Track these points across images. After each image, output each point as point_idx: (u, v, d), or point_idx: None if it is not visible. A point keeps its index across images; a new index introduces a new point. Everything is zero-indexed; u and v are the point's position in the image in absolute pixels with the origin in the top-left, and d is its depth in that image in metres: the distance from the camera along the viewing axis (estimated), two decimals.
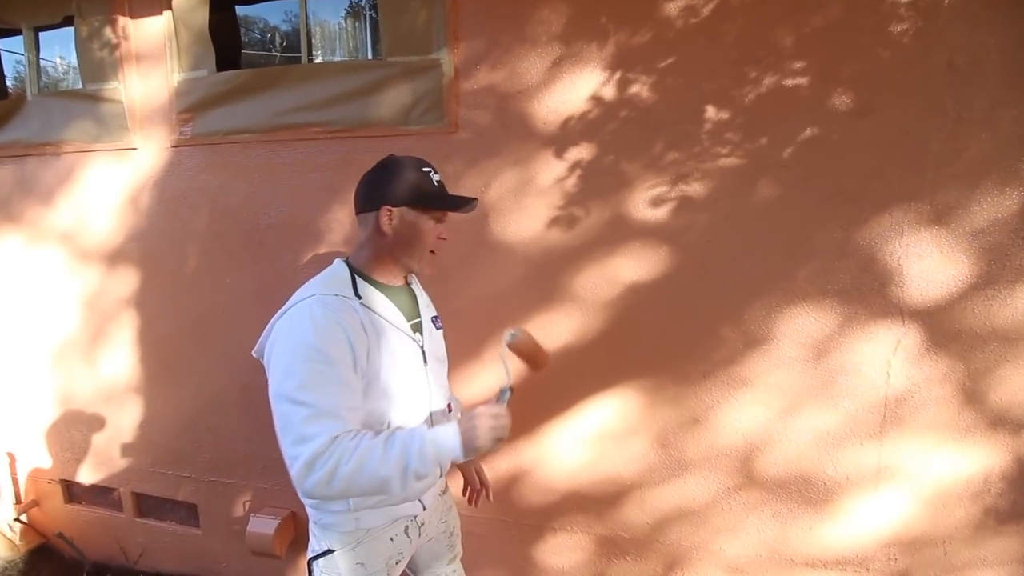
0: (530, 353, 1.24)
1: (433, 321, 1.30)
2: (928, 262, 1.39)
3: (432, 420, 1.21)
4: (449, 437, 1.00)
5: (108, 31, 1.88)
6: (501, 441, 1.04)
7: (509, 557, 1.86)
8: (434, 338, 1.28)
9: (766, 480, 1.59)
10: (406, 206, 1.13)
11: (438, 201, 1.16)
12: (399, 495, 1.10)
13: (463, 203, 1.18)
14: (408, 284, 1.29)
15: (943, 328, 1.41)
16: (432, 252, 1.18)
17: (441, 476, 1.09)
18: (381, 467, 0.94)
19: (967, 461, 1.45)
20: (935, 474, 1.48)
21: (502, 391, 1.12)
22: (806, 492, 1.57)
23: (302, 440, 0.93)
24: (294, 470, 0.93)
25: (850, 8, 1.36)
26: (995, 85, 1.31)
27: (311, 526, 1.23)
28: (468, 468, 1.48)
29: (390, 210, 1.12)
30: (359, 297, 1.11)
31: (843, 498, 1.54)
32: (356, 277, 1.15)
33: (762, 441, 1.58)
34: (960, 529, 1.49)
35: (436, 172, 1.18)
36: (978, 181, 1.34)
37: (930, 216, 1.38)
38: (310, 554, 1.21)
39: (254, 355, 1.13)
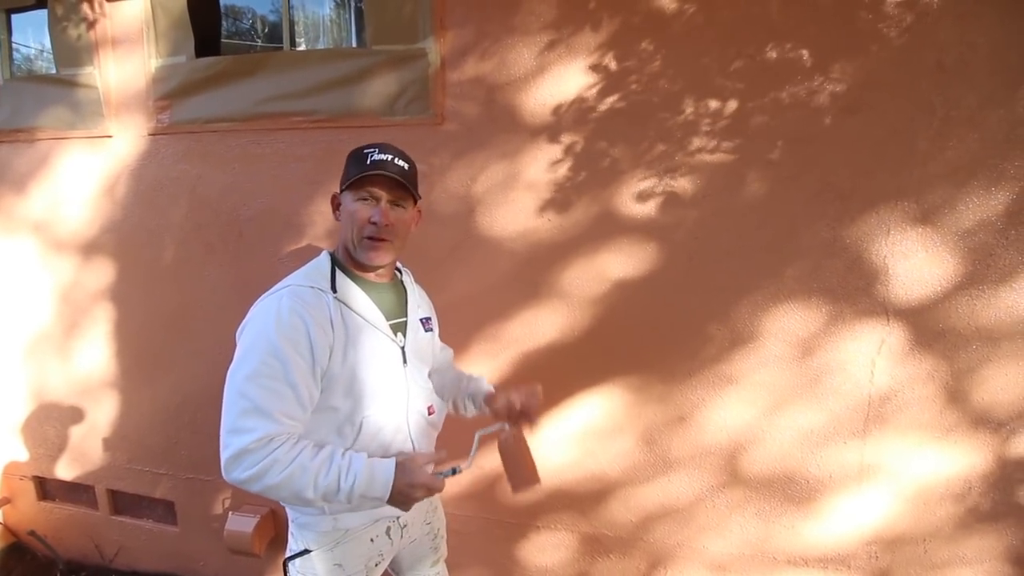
0: (514, 456, 1.14)
1: (423, 322, 1.24)
2: (914, 261, 1.39)
3: (410, 422, 1.16)
4: (379, 488, 0.99)
5: (83, 14, 1.82)
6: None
7: (492, 556, 1.85)
8: (419, 339, 1.22)
9: (750, 478, 1.59)
10: (343, 191, 1.13)
11: (353, 175, 1.07)
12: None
13: (371, 168, 1.05)
14: (399, 281, 1.25)
15: (927, 327, 1.41)
16: (370, 239, 1.08)
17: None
18: (306, 490, 0.96)
19: (948, 460, 1.46)
20: (917, 473, 1.48)
21: (453, 469, 1.11)
22: (790, 490, 1.57)
23: (236, 431, 0.95)
24: (223, 456, 0.96)
25: (840, 5, 1.35)
26: (982, 84, 1.31)
27: (290, 524, 1.20)
28: (499, 405, 1.19)
29: (335, 196, 1.15)
30: (335, 291, 1.08)
31: (826, 496, 1.55)
32: (337, 270, 1.12)
33: (747, 439, 1.57)
34: (940, 527, 1.50)
35: (383, 152, 1.08)
36: (965, 180, 1.34)
37: (916, 215, 1.38)
38: (287, 554, 1.18)
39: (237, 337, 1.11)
